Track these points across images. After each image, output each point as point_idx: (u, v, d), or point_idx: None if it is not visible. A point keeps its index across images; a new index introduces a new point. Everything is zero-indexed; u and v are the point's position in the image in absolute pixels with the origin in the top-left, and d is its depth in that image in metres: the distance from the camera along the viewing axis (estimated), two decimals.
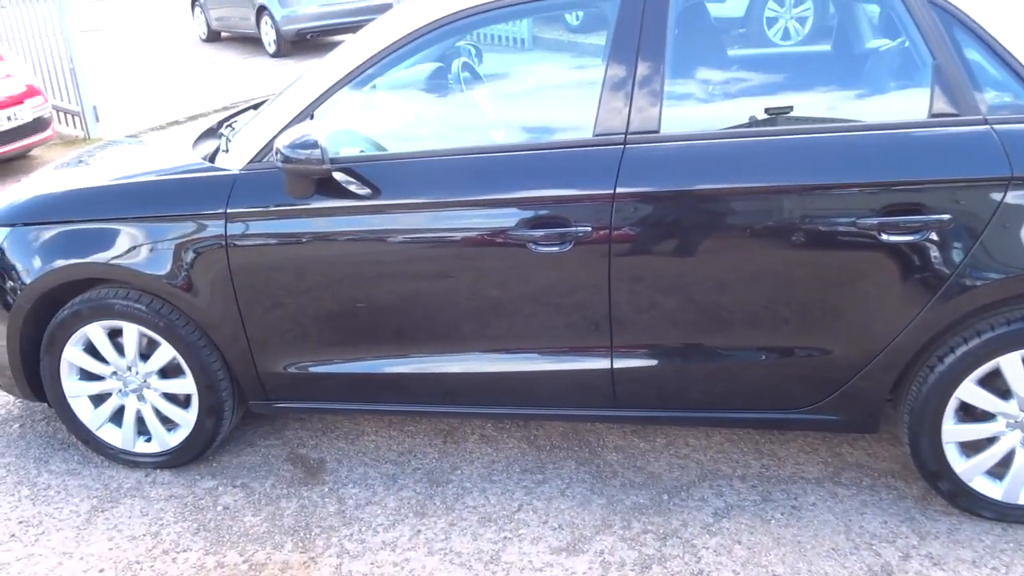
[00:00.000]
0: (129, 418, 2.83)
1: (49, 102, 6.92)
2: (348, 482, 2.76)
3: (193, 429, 2.79)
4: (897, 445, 2.77)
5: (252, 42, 12.75)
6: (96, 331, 2.71)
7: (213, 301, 2.57)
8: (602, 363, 2.45)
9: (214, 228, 2.51)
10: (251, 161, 2.52)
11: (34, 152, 7.00)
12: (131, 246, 2.58)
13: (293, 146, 2.33)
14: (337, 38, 12.70)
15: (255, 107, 3.35)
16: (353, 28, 12.30)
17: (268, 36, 12.03)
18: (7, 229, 2.75)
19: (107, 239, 2.61)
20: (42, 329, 2.79)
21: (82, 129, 7.64)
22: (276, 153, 2.36)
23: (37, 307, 2.74)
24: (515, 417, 2.85)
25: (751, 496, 2.58)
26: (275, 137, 2.48)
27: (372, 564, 2.40)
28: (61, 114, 7.65)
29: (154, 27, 15.90)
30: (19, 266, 2.71)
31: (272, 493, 2.73)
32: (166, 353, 2.69)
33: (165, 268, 2.56)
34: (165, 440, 2.83)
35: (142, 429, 2.86)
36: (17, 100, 6.42)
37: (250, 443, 2.99)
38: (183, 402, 2.81)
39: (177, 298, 2.60)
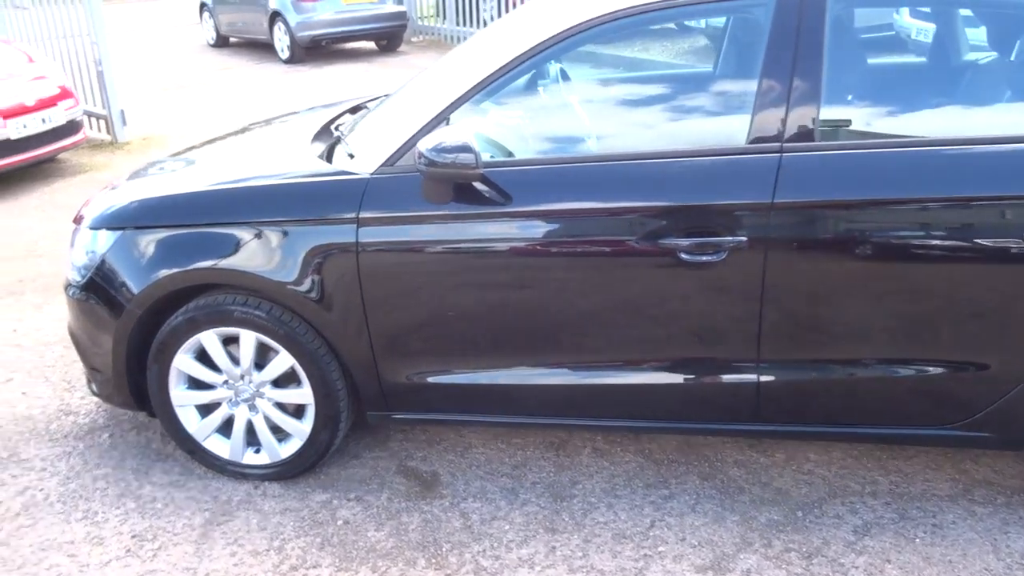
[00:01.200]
0: (239, 429, 2.74)
1: (80, 105, 6.79)
2: (467, 496, 2.69)
3: (307, 441, 2.70)
4: (1021, 461, 2.74)
5: (262, 48, 12.65)
6: (210, 338, 2.63)
7: (339, 308, 2.50)
8: (747, 376, 2.40)
9: (345, 233, 2.44)
10: (383, 164, 2.46)
11: (63, 156, 6.87)
12: (253, 251, 2.50)
13: (440, 150, 2.26)
14: (350, 45, 12.64)
15: (353, 110, 3.29)
16: (367, 35, 12.26)
17: (281, 42, 11.94)
18: (116, 233, 2.66)
19: (227, 244, 2.53)
20: (146, 336, 2.70)
21: (109, 133, 7.51)
22: (420, 157, 2.29)
23: (147, 313, 2.65)
24: (639, 430, 2.79)
25: (887, 514, 2.54)
26: (410, 140, 2.41)
27: None
28: (88, 117, 7.51)
29: (159, 32, 15.74)
30: (130, 271, 2.62)
31: (390, 507, 2.65)
32: (284, 362, 2.61)
33: (290, 274, 2.48)
34: (276, 451, 2.74)
35: (251, 440, 2.77)
36: (50, 103, 6.29)
37: (355, 455, 2.91)
38: (295, 412, 2.72)
39: (301, 305, 2.52)
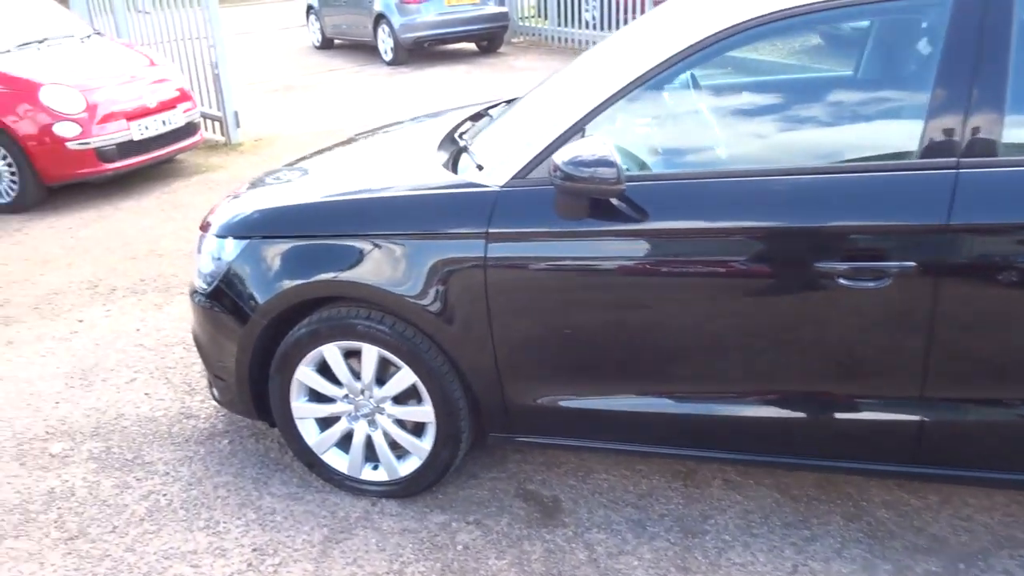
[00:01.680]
0: (358, 444, 2.69)
1: (198, 107, 6.97)
2: (591, 526, 2.56)
3: (427, 459, 2.63)
4: None
5: (365, 49, 12.81)
6: (333, 352, 2.58)
7: (465, 325, 2.41)
8: (907, 415, 2.20)
9: (473, 248, 2.34)
10: (514, 177, 2.35)
11: (179, 156, 7.06)
12: (377, 264, 2.44)
13: (577, 163, 2.14)
14: (451, 46, 12.68)
15: (474, 117, 3.20)
16: (469, 36, 12.27)
17: (385, 44, 12.06)
18: (243, 242, 2.64)
19: (352, 256, 2.47)
20: (269, 346, 2.68)
21: (222, 134, 7.70)
22: (555, 170, 2.18)
23: (272, 323, 2.62)
24: (777, 466, 2.60)
25: None
26: (544, 152, 2.30)
27: None
28: (203, 119, 7.72)
29: (266, 34, 16.18)
30: (257, 280, 2.60)
31: (511, 533, 2.55)
32: (406, 378, 2.54)
33: (415, 288, 2.41)
34: (395, 469, 2.68)
35: (369, 455, 2.72)
36: (170, 105, 6.47)
37: (472, 475, 2.82)
38: (415, 430, 2.65)
39: (425, 320, 2.44)
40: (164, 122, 6.37)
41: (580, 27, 11.99)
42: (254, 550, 2.53)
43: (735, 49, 2.24)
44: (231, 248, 2.67)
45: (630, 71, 2.29)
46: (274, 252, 2.58)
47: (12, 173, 5.86)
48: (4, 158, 5.82)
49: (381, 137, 3.34)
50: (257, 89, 10.37)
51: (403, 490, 2.71)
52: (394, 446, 2.68)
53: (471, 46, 12.76)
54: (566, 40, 12.28)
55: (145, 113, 6.22)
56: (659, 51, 2.30)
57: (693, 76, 2.59)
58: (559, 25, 12.45)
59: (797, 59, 3.24)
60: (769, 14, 2.19)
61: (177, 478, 2.91)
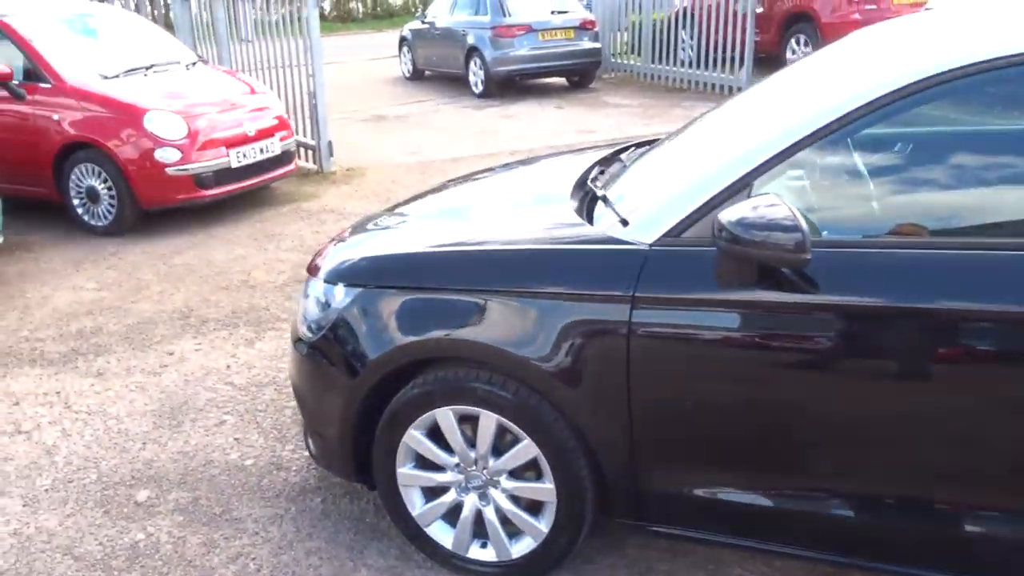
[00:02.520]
0: (467, 518, 2.43)
1: (294, 136, 6.93)
2: None
3: (543, 542, 2.35)
4: None
5: (456, 82, 12.77)
6: (446, 416, 2.33)
7: (600, 397, 2.14)
8: None
9: (616, 313, 2.07)
10: (666, 235, 2.07)
11: (273, 185, 7.01)
12: (503, 323, 2.19)
13: (748, 225, 1.85)
14: (542, 80, 12.55)
15: (603, 162, 2.94)
16: (561, 71, 12.13)
17: (476, 76, 12.00)
18: (355, 290, 2.43)
19: (475, 312, 2.23)
20: (376, 404, 2.45)
21: (315, 163, 7.66)
22: (720, 231, 1.90)
23: (384, 380, 2.40)
24: None
25: None
26: (703, 208, 2.02)
27: None
28: (297, 147, 7.70)
29: (358, 63, 16.37)
30: (368, 332, 2.38)
31: None
32: (526, 451, 2.27)
33: (544, 352, 2.15)
34: (506, 549, 2.41)
35: (478, 532, 2.45)
36: (268, 133, 6.43)
37: (587, 559, 2.53)
38: (531, 508, 2.38)
39: (553, 389, 2.18)
40: (262, 150, 6.33)
41: (675, 64, 11.72)
42: None
43: (945, 98, 1.93)
44: (341, 295, 2.47)
45: (809, 117, 2.00)
46: (389, 303, 2.36)
47: (111, 197, 5.86)
48: (105, 181, 5.84)
49: (499, 179, 3.12)
50: (348, 118, 10.38)
51: (513, 573, 2.43)
52: (505, 523, 2.41)
53: (562, 80, 12.62)
54: (659, 77, 12.01)
55: (244, 141, 6.18)
56: (848, 94, 1.99)
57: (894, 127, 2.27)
58: (652, 62, 12.20)
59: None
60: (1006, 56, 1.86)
61: (267, 539, 2.70)
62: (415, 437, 2.39)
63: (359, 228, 2.87)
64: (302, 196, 6.91)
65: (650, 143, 3.07)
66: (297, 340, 2.64)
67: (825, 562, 2.26)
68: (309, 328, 2.57)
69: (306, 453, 3.16)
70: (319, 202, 6.72)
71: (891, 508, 2.02)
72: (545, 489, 2.29)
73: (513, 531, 2.41)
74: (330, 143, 7.58)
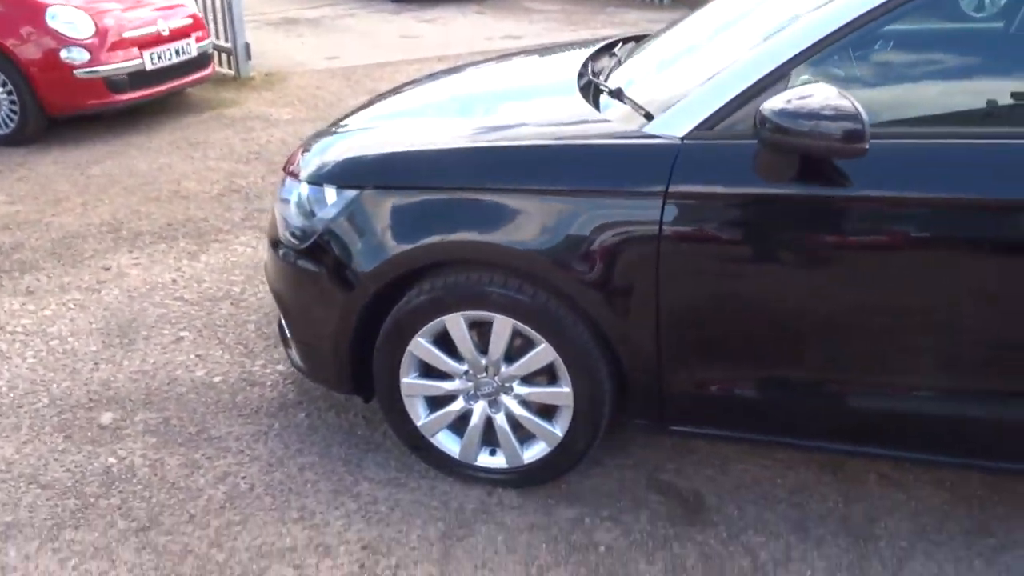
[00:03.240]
0: (476, 427, 2.35)
1: (211, 38, 6.43)
2: (745, 526, 2.26)
3: (558, 446, 2.29)
4: None
5: None
6: (457, 322, 2.22)
7: (625, 299, 2.06)
8: None
9: (647, 210, 1.98)
10: (698, 128, 1.98)
11: (189, 91, 6.52)
12: (526, 224, 2.07)
13: (796, 115, 1.77)
14: None
15: (595, 56, 2.79)
16: None
17: None
18: (351, 192, 2.26)
19: (490, 213, 2.10)
20: (373, 313, 2.31)
21: (231, 68, 7.16)
22: (762, 122, 1.81)
23: (385, 289, 2.25)
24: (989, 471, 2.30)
25: None
26: (740, 98, 1.93)
27: None
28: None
29: None
30: (370, 238, 2.22)
31: (655, 533, 2.24)
32: (544, 356, 2.19)
33: (566, 254, 2.05)
34: (517, 456, 2.34)
35: (486, 440, 2.38)
36: (183, 33, 5.93)
37: (596, 461, 2.49)
38: (542, 413, 2.32)
39: (576, 290, 2.09)
40: (177, 51, 5.85)
41: None
42: (364, 548, 2.20)
43: None
44: (332, 199, 2.29)
45: (853, 2, 1.91)
46: (392, 205, 2.20)
47: (12, 102, 5.32)
48: (3, 85, 5.28)
49: (483, 75, 2.94)
50: (257, 21, 9.72)
51: (525, 479, 2.38)
52: (516, 429, 2.34)
53: None
54: None
55: (159, 41, 5.68)
56: None
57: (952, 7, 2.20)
58: None
59: None
60: None
61: (254, 457, 2.55)
62: (421, 345, 2.27)
63: (336, 128, 2.66)
64: (222, 103, 6.46)
65: (638, 39, 2.95)
66: (277, 245, 2.45)
67: (840, 452, 2.31)
68: (294, 235, 2.38)
69: (280, 368, 3.00)
70: (242, 108, 6.30)
71: (921, 399, 2.05)
72: (562, 393, 2.23)
73: (524, 437, 2.35)
74: (247, 45, 7.09)
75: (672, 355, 2.10)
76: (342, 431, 2.66)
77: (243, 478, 2.46)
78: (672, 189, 1.96)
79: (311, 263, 2.33)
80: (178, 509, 2.35)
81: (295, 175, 2.45)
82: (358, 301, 2.27)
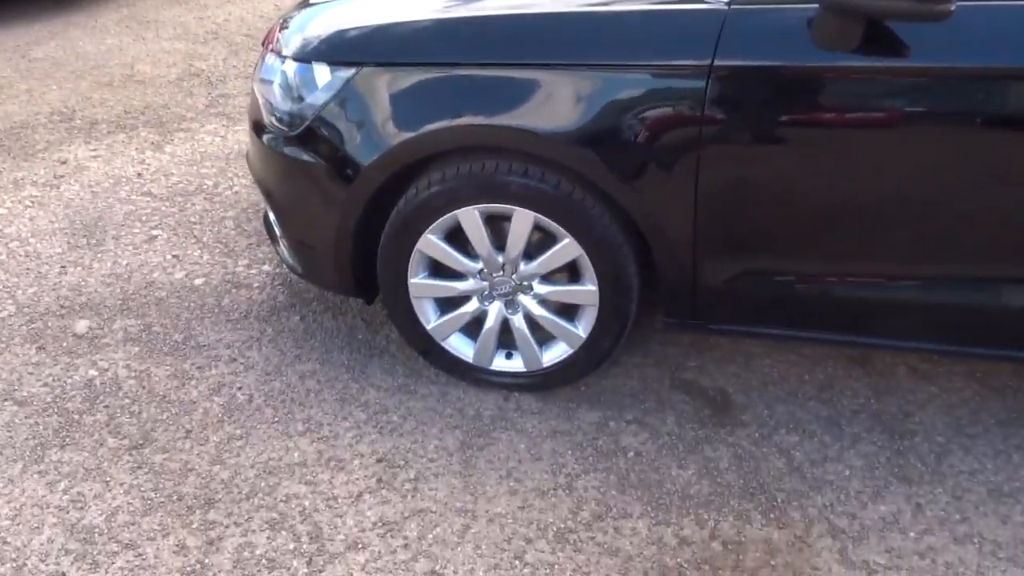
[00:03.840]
0: (491, 329, 2.18)
1: None
2: (777, 425, 2.16)
3: (581, 348, 2.15)
4: None
5: None
6: (471, 216, 2.02)
7: (661, 184, 1.87)
8: None
9: (689, 85, 1.77)
10: None
11: None
12: (549, 104, 1.85)
13: None
14: None
15: None
16: None
17: None
18: (347, 70, 2.00)
19: (513, 92, 1.87)
20: (378, 210, 2.10)
21: None
22: None
23: (389, 181, 2.03)
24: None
25: None
26: None
27: (888, 552, 1.83)
28: None
29: None
30: (370, 124, 1.98)
31: (685, 435, 2.14)
32: (567, 251, 2.01)
33: (596, 137, 1.84)
34: (536, 358, 2.20)
35: (502, 342, 2.23)
36: None
37: (614, 360, 2.36)
38: (562, 313, 2.16)
39: (605, 179, 1.89)
40: None
41: None
42: (379, 461, 2.06)
43: None
44: (325, 78, 2.03)
45: None
46: (397, 84, 1.95)
47: None
48: None
49: None
50: None
51: (543, 383, 2.24)
52: (535, 331, 2.19)
53: None
54: None
55: None
56: None
57: None
58: None
59: None
60: None
61: (248, 365, 2.38)
62: (431, 243, 2.08)
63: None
64: None
65: None
66: (262, 131, 2.20)
67: (879, 347, 2.20)
68: (281, 121, 2.13)
69: (266, 268, 2.79)
70: None
71: (962, 288, 1.92)
72: (587, 292, 2.06)
73: (543, 339, 2.20)
74: None
75: (709, 246, 1.94)
76: (341, 335, 2.49)
77: (239, 388, 2.29)
78: (718, 62, 1.74)
79: (304, 152, 2.09)
80: (172, 424, 2.18)
81: (277, 52, 2.17)
82: (360, 195, 2.05)
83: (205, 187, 3.29)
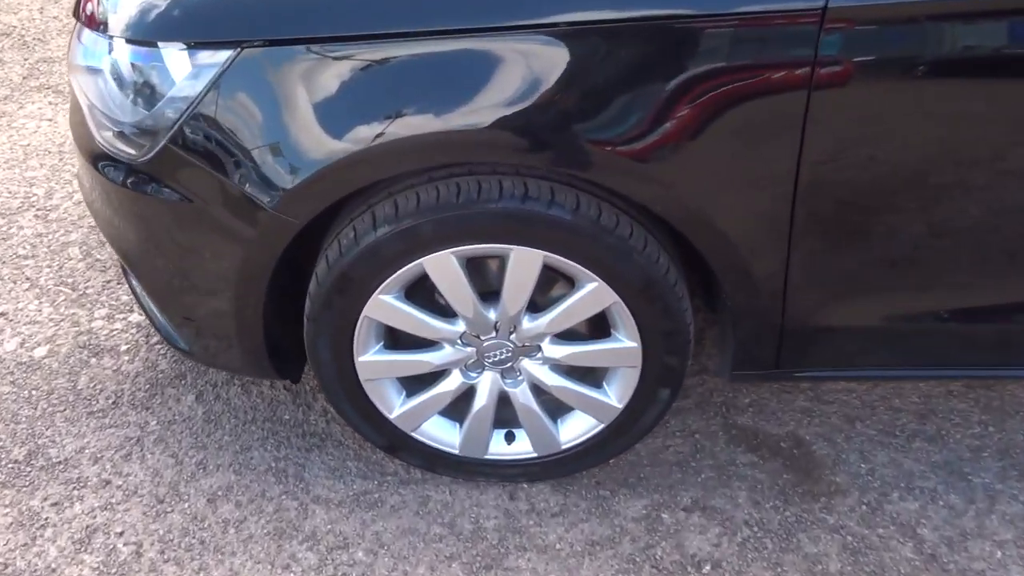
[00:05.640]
0: (485, 408, 1.50)
1: None
2: (885, 487, 1.58)
3: (613, 423, 1.50)
4: None
5: None
6: (445, 266, 1.31)
7: (742, 191, 1.22)
8: None
9: (789, 43, 1.11)
10: None
11: None
12: (558, 89, 1.15)
13: None
14: None
15: None
16: None
17: None
18: (226, 53, 1.22)
19: (493, 73, 1.16)
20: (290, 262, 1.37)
21: None
22: None
23: (313, 224, 1.30)
24: None
25: None
26: None
27: None
28: None
29: None
30: (269, 136, 1.23)
31: (769, 522, 1.53)
32: (595, 299, 1.34)
33: (641, 132, 1.17)
34: (550, 438, 1.53)
35: (498, 417, 1.56)
36: None
37: None
38: (583, 376, 1.50)
39: (653, 190, 1.23)
40: None
41: None
42: None
43: None
44: (185, 67, 1.25)
45: None
46: (311, 72, 1.19)
47: None
48: None
49: None
50: None
51: (556, 468, 1.59)
52: (541, 401, 1.52)
53: None
54: None
55: None
56: None
57: None
58: None
59: None
60: None
61: (130, 491, 1.62)
62: (386, 306, 1.36)
63: None
64: None
65: None
66: (99, 160, 1.41)
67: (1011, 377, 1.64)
68: (123, 138, 1.35)
69: (135, 317, 2.00)
70: None
71: None
72: (624, 351, 1.41)
73: (554, 408, 1.54)
74: None
75: (812, 270, 1.30)
76: (260, 418, 1.76)
77: (120, 535, 1.55)
78: (834, 3, 1.08)
79: (168, 186, 1.33)
80: None
81: (99, 25, 1.36)
82: (268, 248, 1.31)
83: (34, 199, 2.42)
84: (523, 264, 1.31)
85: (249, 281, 1.35)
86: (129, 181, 1.36)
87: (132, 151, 1.33)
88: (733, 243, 1.26)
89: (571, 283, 1.36)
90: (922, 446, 1.66)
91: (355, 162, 1.20)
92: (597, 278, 1.31)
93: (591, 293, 1.34)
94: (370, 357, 1.44)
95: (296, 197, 1.24)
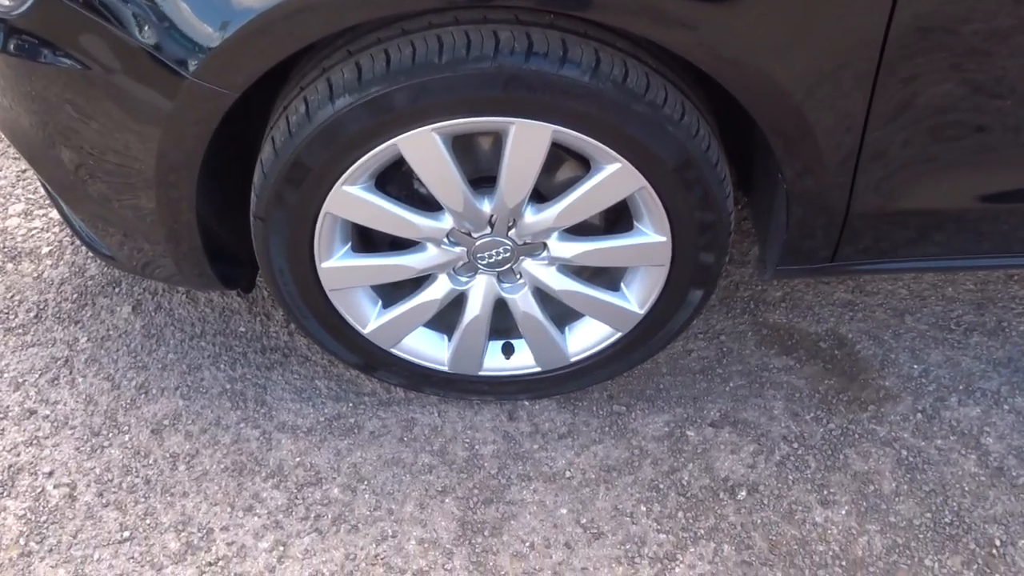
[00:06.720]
0: (477, 320, 1.25)
1: None
2: (942, 391, 1.37)
3: (632, 330, 1.26)
4: None
5: None
6: (427, 146, 1.02)
7: (813, 46, 0.94)
8: None
9: None
10: None
11: None
12: None
13: None
14: None
15: None
16: None
17: None
18: None
19: None
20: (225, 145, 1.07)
21: None
22: None
23: (253, 89, 1.00)
24: None
25: None
26: None
27: None
28: None
29: None
30: None
31: (811, 437, 1.32)
32: (616, 185, 1.07)
33: None
34: (558, 351, 1.29)
35: (494, 327, 1.30)
36: None
37: None
38: (595, 277, 1.25)
39: (696, 45, 0.94)
40: None
41: None
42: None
43: None
44: None
45: None
46: None
47: None
48: None
49: None
50: None
51: (564, 383, 1.35)
52: (547, 307, 1.27)
53: None
54: None
55: None
56: None
57: None
58: None
59: None
60: None
61: (59, 422, 1.37)
62: (352, 199, 1.08)
63: None
64: None
65: None
66: None
67: None
68: None
69: (56, 214, 1.70)
70: None
71: None
72: (651, 246, 1.14)
73: (560, 316, 1.29)
74: None
75: (879, 159, 1.04)
76: (209, 331, 1.49)
77: (49, 475, 1.31)
78: None
79: (57, 49, 1.01)
80: None
81: None
82: (197, 123, 1.01)
83: None
84: (526, 142, 1.02)
85: (173, 171, 1.05)
86: (12, 45, 1.04)
87: (6, 2, 1.00)
88: (800, 108, 0.98)
89: (586, 165, 1.09)
90: (981, 341, 1.45)
91: (302, 7, 0.89)
92: (621, 158, 1.04)
93: (612, 177, 1.06)
94: (335, 263, 1.16)
95: (224, 59, 0.94)
